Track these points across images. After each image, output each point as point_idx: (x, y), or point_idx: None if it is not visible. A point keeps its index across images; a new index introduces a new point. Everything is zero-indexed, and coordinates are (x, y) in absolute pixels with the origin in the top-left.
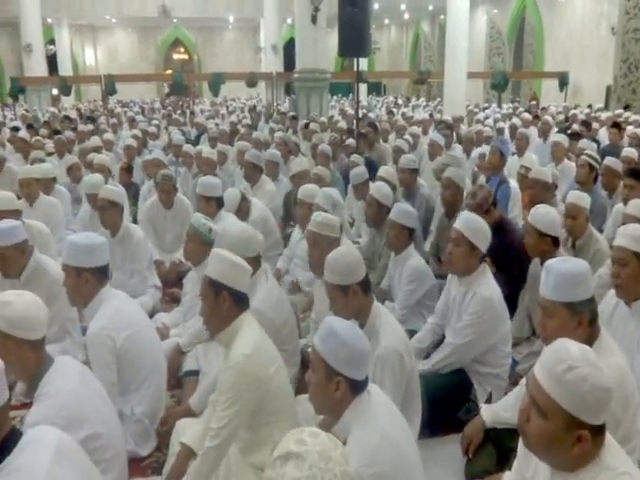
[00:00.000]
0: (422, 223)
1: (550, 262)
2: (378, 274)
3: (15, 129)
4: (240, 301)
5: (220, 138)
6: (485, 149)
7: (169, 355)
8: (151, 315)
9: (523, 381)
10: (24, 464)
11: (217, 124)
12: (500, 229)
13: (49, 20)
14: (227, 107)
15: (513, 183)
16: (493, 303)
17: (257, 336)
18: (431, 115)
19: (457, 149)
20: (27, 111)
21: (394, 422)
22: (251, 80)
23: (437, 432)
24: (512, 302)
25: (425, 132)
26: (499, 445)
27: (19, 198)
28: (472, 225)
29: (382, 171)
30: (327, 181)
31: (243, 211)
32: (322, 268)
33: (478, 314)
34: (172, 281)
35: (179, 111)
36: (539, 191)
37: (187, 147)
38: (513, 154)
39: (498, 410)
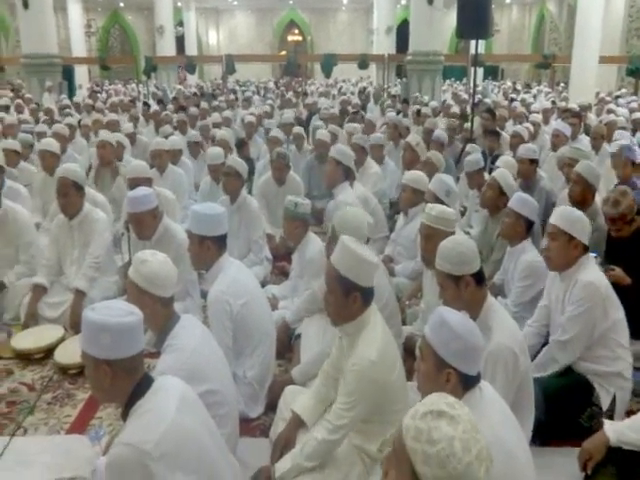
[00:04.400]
0: (541, 218)
1: None
2: (490, 268)
3: (146, 104)
4: (368, 298)
5: (331, 119)
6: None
7: (279, 326)
8: (262, 286)
9: None
10: (154, 408)
11: (329, 105)
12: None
13: (179, 4)
14: (339, 89)
15: None
16: (598, 286)
17: (382, 336)
18: (554, 102)
19: (584, 141)
20: (157, 88)
21: (506, 423)
22: (363, 62)
23: (553, 439)
24: None
25: (546, 121)
26: (624, 468)
27: (151, 167)
28: (567, 216)
29: (501, 161)
30: (438, 167)
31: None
32: (434, 261)
33: (584, 299)
34: (282, 255)
35: (291, 91)
36: None
37: (297, 127)
38: None
39: (625, 429)
